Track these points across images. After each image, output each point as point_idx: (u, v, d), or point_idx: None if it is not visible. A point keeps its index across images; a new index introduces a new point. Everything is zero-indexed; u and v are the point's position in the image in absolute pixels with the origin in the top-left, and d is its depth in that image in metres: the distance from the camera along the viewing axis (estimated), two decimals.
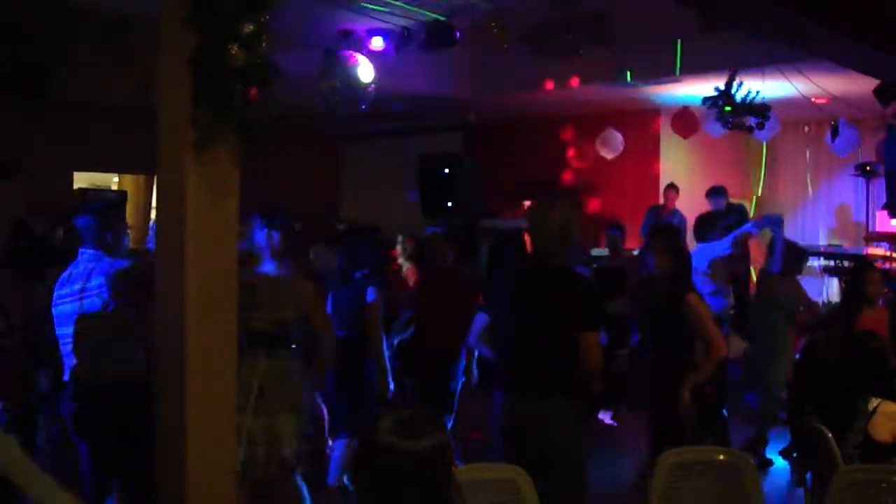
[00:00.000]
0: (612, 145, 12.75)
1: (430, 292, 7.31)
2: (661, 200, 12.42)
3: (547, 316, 4.54)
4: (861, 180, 13.14)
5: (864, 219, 13.24)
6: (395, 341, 7.86)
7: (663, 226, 9.23)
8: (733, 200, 12.26)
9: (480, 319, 4.85)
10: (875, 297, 7.03)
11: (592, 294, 4.77)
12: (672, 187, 12.37)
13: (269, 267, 5.39)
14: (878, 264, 10.57)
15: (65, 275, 5.32)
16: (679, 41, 10.10)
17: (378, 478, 2.38)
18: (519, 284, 4.72)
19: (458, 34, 8.80)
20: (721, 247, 7.87)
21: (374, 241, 7.34)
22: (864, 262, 9.03)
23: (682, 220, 11.92)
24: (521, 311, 4.62)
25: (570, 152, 13.41)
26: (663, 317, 5.72)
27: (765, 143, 13.80)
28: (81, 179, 14.29)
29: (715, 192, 12.20)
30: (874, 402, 4.55)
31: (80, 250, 5.32)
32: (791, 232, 14.01)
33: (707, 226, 8.18)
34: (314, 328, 5.45)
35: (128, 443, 4.85)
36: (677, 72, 10.45)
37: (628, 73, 10.91)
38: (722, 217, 9.74)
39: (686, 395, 5.36)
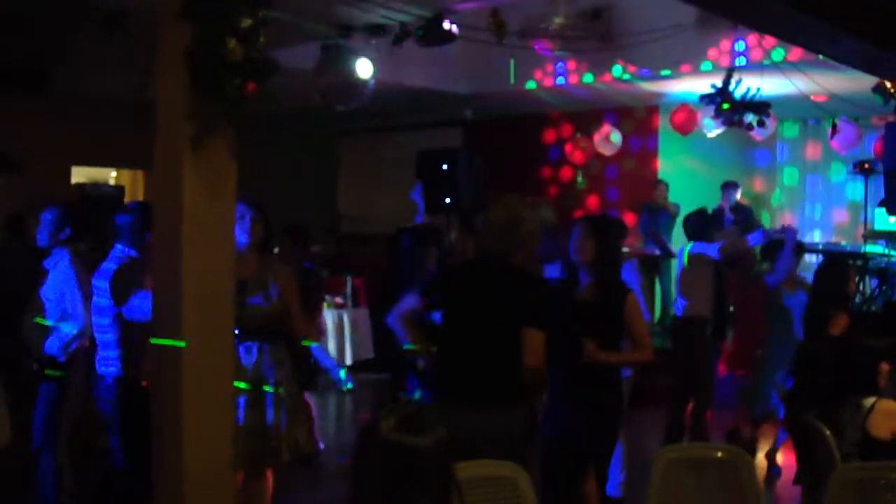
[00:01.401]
0: (609, 141, 12.74)
1: None
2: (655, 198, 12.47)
3: (486, 315, 4.36)
4: (859, 178, 13.13)
5: (862, 216, 13.24)
6: None
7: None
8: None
9: (408, 301, 4.60)
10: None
11: (538, 292, 4.51)
12: (660, 183, 12.45)
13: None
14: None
15: (101, 268, 5.38)
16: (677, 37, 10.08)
17: (382, 474, 2.38)
18: (458, 283, 4.59)
19: (456, 29, 8.78)
20: (712, 249, 7.78)
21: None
22: (843, 260, 8.89)
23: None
24: (458, 312, 4.46)
25: (568, 148, 13.40)
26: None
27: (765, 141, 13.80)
28: (79, 174, 14.29)
29: (728, 186, 12.24)
30: (871, 400, 4.54)
31: (115, 245, 5.36)
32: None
33: (698, 224, 8.03)
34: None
35: None
36: (669, 69, 10.47)
37: (620, 69, 10.91)
38: (716, 217, 9.74)
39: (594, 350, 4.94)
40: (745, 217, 12.23)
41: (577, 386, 4.99)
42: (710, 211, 9.71)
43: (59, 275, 5.74)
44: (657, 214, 12.19)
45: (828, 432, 4.56)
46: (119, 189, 14.53)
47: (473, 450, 3.87)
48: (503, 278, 4.42)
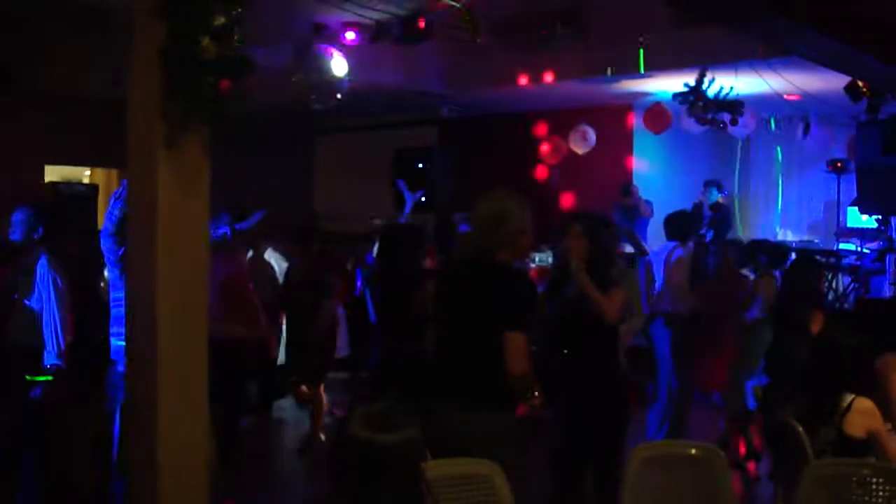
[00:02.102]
0: (584, 140, 12.78)
1: None
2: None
3: (472, 315, 4.28)
4: (832, 176, 13.23)
5: (835, 215, 13.33)
6: None
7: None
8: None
9: None
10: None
11: (518, 292, 4.32)
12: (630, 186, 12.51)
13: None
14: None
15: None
16: (652, 36, 10.12)
17: (350, 470, 2.40)
18: (445, 283, 4.61)
19: (432, 28, 8.78)
20: (688, 250, 7.82)
21: None
22: (812, 258, 8.92)
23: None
24: (448, 311, 4.44)
25: (543, 147, 13.43)
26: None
27: (740, 140, 13.88)
28: (53, 173, 14.18)
29: (709, 184, 12.25)
30: (848, 398, 4.57)
31: None
32: (763, 229, 14.16)
33: (678, 225, 8.08)
34: None
35: None
36: (645, 68, 10.50)
37: (609, 70, 10.93)
38: (695, 215, 9.77)
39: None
40: (723, 216, 12.30)
41: (577, 384, 5.06)
42: (689, 209, 9.79)
43: (40, 280, 5.72)
44: (631, 212, 12.22)
45: (801, 429, 4.58)
46: (93, 188, 14.43)
47: (464, 449, 3.89)
48: (485, 278, 4.34)
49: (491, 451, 3.87)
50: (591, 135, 12.72)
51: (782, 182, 14.66)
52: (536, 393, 5.16)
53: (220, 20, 3.53)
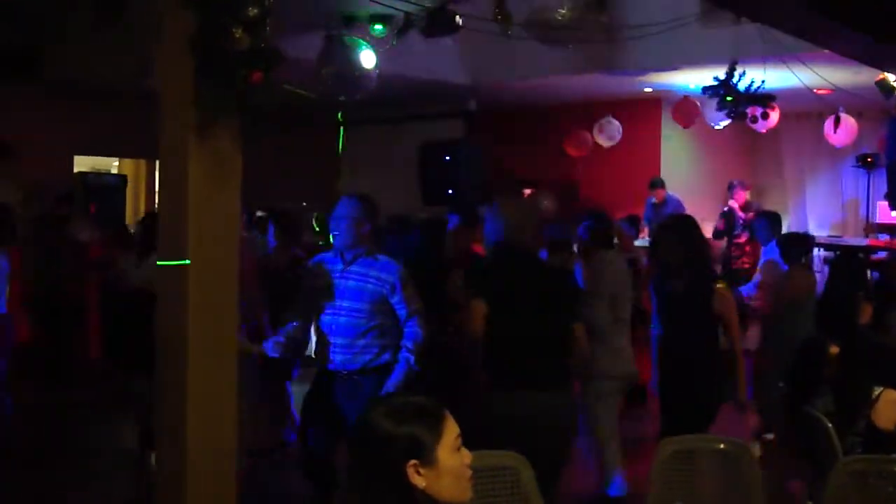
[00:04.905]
0: (609, 134, 12.74)
1: None
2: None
3: (538, 308, 4.74)
4: (862, 171, 13.13)
5: (864, 210, 13.23)
6: None
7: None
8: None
9: None
10: None
11: (576, 289, 5.19)
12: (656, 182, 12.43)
13: None
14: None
15: None
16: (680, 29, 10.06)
17: (355, 455, 2.40)
18: (504, 274, 4.84)
19: (460, 20, 8.76)
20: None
21: None
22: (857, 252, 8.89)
23: (678, 205, 11.98)
24: (512, 303, 4.75)
25: (569, 140, 13.39)
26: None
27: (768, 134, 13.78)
28: (82, 163, 14.29)
29: (736, 186, 12.14)
30: (877, 390, 4.55)
31: None
32: (792, 223, 14.07)
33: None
34: None
35: None
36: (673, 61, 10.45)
37: (623, 60, 10.89)
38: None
39: None
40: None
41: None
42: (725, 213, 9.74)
43: None
44: (660, 208, 12.17)
45: (829, 425, 4.56)
46: (122, 178, 14.55)
47: (531, 429, 4.48)
48: (546, 273, 4.97)
49: (559, 428, 4.67)
50: (617, 128, 12.67)
51: (810, 177, 14.56)
52: None
53: (253, 11, 3.53)
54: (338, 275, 5.16)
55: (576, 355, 4.83)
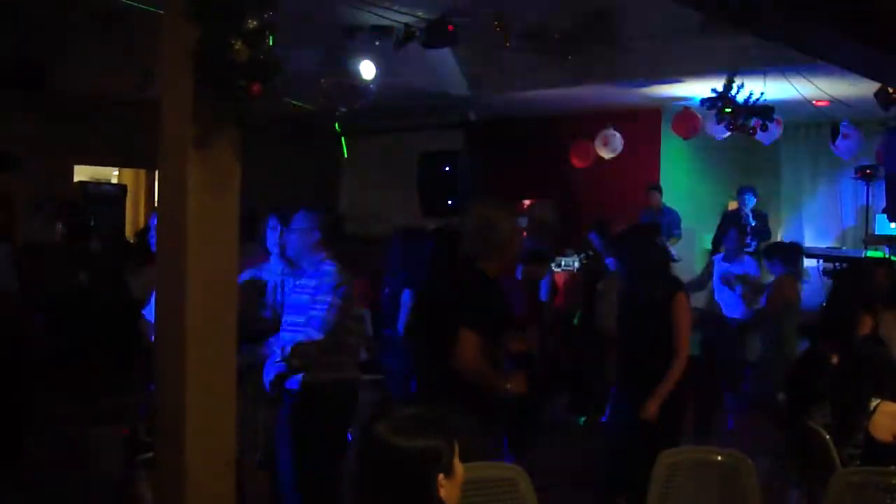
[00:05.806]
0: (611, 145, 12.73)
1: None
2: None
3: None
4: (861, 183, 13.11)
5: (863, 221, 13.22)
6: None
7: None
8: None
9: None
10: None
11: (476, 293, 4.90)
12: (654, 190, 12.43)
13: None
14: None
15: None
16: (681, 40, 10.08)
17: (364, 468, 2.39)
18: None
19: (459, 32, 8.78)
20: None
21: None
22: (865, 263, 8.92)
23: (675, 218, 12.01)
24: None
25: (570, 151, 13.38)
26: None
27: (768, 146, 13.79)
28: (82, 173, 14.30)
29: (745, 191, 12.16)
30: (875, 402, 4.56)
31: None
32: (790, 235, 14.06)
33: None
34: None
35: None
36: (673, 72, 10.45)
37: (622, 72, 10.90)
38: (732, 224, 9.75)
39: None
40: (762, 224, 12.26)
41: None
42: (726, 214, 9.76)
43: None
44: (658, 217, 12.16)
45: (827, 437, 4.57)
46: (121, 188, 14.55)
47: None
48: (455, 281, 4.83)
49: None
50: (618, 140, 12.67)
51: (810, 188, 14.55)
52: None
53: (253, 23, 3.54)
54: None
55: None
